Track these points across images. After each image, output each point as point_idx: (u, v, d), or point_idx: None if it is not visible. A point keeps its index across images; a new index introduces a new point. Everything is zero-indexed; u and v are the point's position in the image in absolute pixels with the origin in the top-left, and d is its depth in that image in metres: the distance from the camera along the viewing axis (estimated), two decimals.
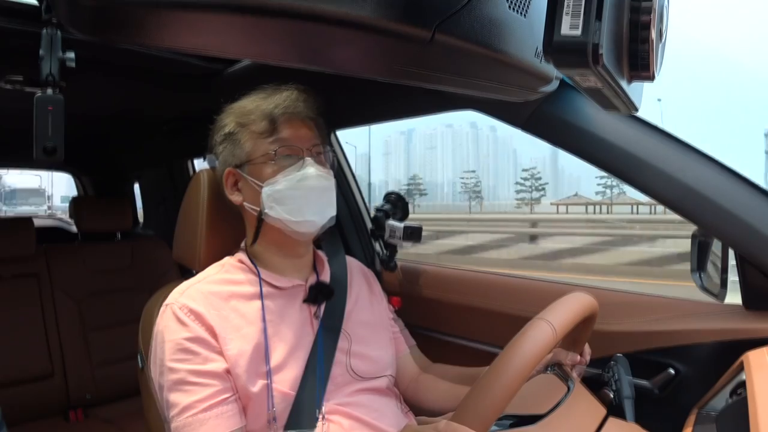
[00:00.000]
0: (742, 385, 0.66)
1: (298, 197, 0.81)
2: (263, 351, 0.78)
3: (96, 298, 1.85)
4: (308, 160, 0.83)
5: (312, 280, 0.89)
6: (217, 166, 0.90)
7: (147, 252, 2.01)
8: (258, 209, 0.84)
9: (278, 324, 0.81)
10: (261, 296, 0.82)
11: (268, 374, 0.77)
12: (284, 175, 0.82)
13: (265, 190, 0.82)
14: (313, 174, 0.82)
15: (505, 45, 0.49)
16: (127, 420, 1.67)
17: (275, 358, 0.78)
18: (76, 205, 2.03)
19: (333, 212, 0.86)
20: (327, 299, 0.88)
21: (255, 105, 0.86)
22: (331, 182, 0.86)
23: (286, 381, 0.78)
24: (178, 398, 0.72)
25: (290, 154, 0.83)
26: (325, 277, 0.92)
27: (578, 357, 0.80)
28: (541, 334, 0.59)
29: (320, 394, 0.79)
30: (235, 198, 0.86)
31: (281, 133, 0.83)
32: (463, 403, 0.53)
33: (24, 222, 1.82)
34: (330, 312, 0.88)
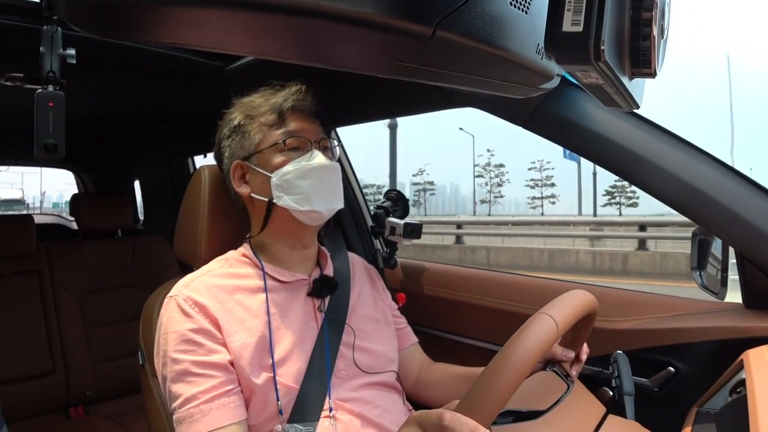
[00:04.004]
0: (742, 383, 0.66)
1: (308, 185, 0.82)
2: (267, 344, 0.78)
3: (97, 295, 1.85)
4: (316, 150, 0.84)
5: (316, 274, 0.90)
6: (223, 161, 0.90)
7: (148, 249, 2.01)
8: (266, 199, 0.84)
9: (282, 317, 0.82)
10: (265, 290, 0.82)
11: (273, 367, 0.77)
12: (294, 165, 0.82)
13: (274, 179, 0.83)
14: (321, 163, 0.83)
15: (506, 41, 0.49)
16: (127, 417, 1.68)
17: (279, 351, 0.78)
18: (76, 202, 2.02)
19: (340, 202, 0.87)
20: (331, 293, 0.88)
21: (263, 99, 0.87)
22: (338, 172, 0.87)
23: (290, 374, 0.78)
24: (181, 389, 0.72)
25: (298, 146, 0.85)
26: (329, 271, 0.92)
27: (572, 354, 0.80)
28: (543, 328, 0.59)
29: (326, 388, 0.79)
30: (243, 190, 0.87)
31: (289, 125, 0.85)
32: (467, 395, 0.53)
33: (24, 219, 1.82)
34: (334, 306, 0.88)
